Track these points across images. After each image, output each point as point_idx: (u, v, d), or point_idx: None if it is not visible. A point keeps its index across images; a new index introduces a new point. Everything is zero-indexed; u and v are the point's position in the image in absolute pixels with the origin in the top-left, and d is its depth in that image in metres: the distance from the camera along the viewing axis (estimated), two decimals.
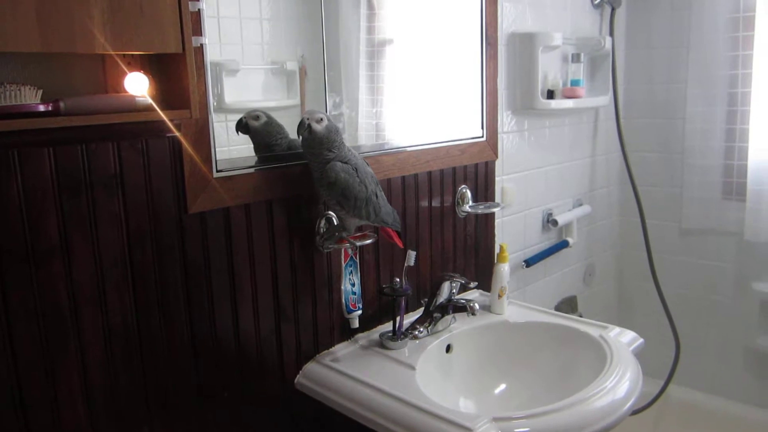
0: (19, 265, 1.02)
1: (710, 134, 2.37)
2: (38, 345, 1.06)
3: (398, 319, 1.54)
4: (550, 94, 2.11)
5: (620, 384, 1.32)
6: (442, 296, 1.61)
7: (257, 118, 1.31)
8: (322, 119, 1.29)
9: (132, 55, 1.10)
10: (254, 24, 1.32)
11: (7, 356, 1.03)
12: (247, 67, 1.32)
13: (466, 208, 1.83)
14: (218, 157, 1.25)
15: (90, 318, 1.11)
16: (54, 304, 1.07)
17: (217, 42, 1.23)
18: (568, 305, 2.40)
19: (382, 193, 1.43)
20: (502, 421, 1.18)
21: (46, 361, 1.07)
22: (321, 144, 1.30)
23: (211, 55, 1.21)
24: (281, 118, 1.39)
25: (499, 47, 1.90)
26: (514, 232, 2.11)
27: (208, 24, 1.20)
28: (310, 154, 1.34)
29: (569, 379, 1.47)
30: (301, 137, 1.31)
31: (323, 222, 1.46)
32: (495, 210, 1.94)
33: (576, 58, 2.18)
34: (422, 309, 1.65)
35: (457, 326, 1.63)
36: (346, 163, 1.33)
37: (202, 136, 1.22)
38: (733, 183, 2.36)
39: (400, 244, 1.54)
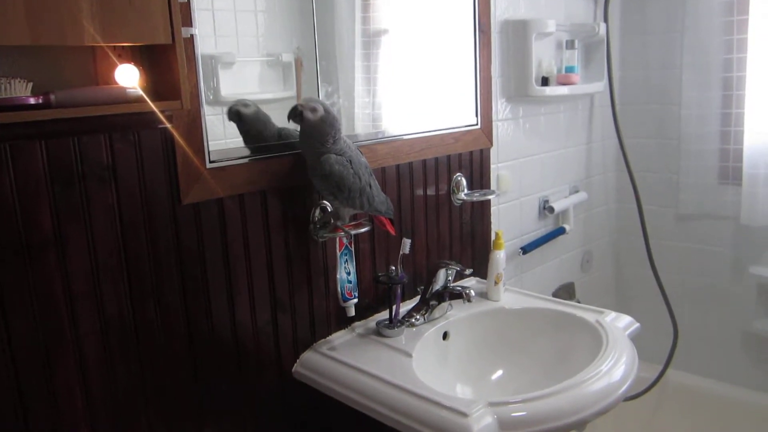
0: (13, 257, 1.02)
1: (706, 119, 2.37)
2: (35, 337, 1.06)
3: (394, 307, 1.55)
4: (545, 81, 2.11)
5: (616, 368, 1.33)
6: (438, 284, 1.62)
7: (247, 105, 1.31)
8: (315, 109, 1.28)
9: (122, 46, 1.10)
10: (249, 16, 1.31)
11: (4, 349, 1.03)
12: (242, 59, 1.32)
13: (462, 195, 1.84)
14: (213, 148, 1.25)
15: (86, 310, 1.12)
16: (49, 296, 1.07)
17: (212, 35, 1.23)
18: (565, 292, 2.41)
19: (376, 182, 1.44)
20: (498, 406, 1.19)
21: (43, 353, 1.08)
22: (312, 135, 1.30)
23: (206, 47, 1.21)
24: (278, 110, 1.39)
25: (492, 35, 1.90)
26: (510, 219, 2.11)
27: (203, 17, 1.20)
28: (305, 145, 1.34)
29: (566, 364, 1.48)
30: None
31: (318, 211, 1.46)
32: (490, 197, 1.94)
33: (570, 44, 2.17)
34: (418, 297, 1.66)
35: (453, 313, 1.63)
36: (340, 155, 1.33)
37: (194, 127, 1.22)
38: (729, 167, 2.36)
39: (392, 231, 1.55)
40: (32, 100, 0.98)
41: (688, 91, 2.39)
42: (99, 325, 1.14)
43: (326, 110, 1.30)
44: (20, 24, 0.92)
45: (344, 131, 1.50)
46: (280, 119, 1.39)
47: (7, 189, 1.00)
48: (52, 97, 1.00)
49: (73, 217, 1.08)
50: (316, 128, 1.30)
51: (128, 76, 1.08)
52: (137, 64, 1.12)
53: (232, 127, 1.30)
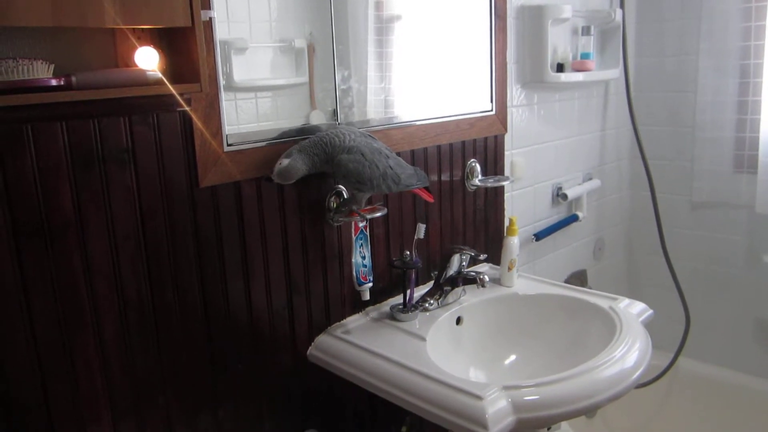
0: (34, 239, 1.04)
1: (722, 107, 2.35)
2: (55, 317, 1.08)
3: (408, 291, 1.55)
4: (560, 68, 2.10)
5: (629, 354, 1.33)
6: (452, 269, 1.62)
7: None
8: (280, 163, 1.28)
9: (142, 29, 1.11)
10: (262, 1, 1.31)
11: (25, 328, 1.05)
12: (255, 45, 1.32)
13: (476, 181, 1.84)
14: (228, 132, 1.26)
15: (105, 291, 1.13)
16: (70, 277, 1.09)
17: (225, 20, 1.23)
18: (577, 279, 2.41)
19: (399, 159, 1.43)
20: (511, 390, 1.19)
21: (63, 333, 1.09)
22: (301, 166, 1.30)
23: (219, 33, 1.21)
24: (290, 97, 1.39)
25: (508, 20, 1.89)
26: (523, 206, 2.11)
27: (217, 2, 1.20)
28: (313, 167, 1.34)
29: (579, 349, 1.48)
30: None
31: (333, 195, 1.47)
32: (504, 184, 1.93)
33: (586, 30, 2.16)
34: (432, 282, 1.66)
35: (467, 298, 1.64)
36: (349, 152, 1.33)
37: (212, 111, 1.22)
38: (745, 156, 2.35)
39: (430, 198, 1.56)
40: (54, 82, 0.99)
41: (704, 79, 2.37)
42: (118, 306, 1.15)
43: (288, 156, 1.28)
44: (42, 5, 0.92)
45: (357, 117, 1.50)
46: (292, 106, 1.40)
47: (28, 170, 1.01)
48: (74, 78, 1.01)
49: (93, 199, 1.09)
50: (291, 171, 1.29)
51: (148, 59, 1.09)
52: (157, 47, 1.12)
53: (246, 113, 1.31)
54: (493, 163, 1.92)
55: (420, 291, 1.65)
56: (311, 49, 1.41)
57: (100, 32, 1.09)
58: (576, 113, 2.29)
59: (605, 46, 2.34)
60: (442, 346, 1.48)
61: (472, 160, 1.83)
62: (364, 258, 1.53)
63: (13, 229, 1.01)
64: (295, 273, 1.43)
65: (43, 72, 0.99)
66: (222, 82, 1.24)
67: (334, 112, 1.46)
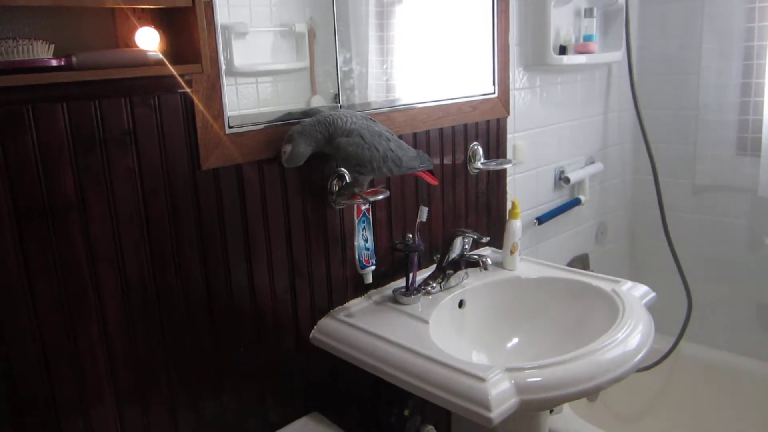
0: (37, 221, 1.03)
1: (725, 89, 2.34)
2: (58, 300, 1.08)
3: (411, 274, 1.55)
4: (563, 50, 2.08)
5: (632, 336, 1.33)
6: (455, 252, 1.62)
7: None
8: (285, 152, 1.29)
9: (142, 9, 1.10)
10: None
11: (28, 310, 1.05)
12: (255, 29, 1.31)
13: (478, 165, 1.83)
14: (229, 114, 1.25)
15: (107, 272, 1.13)
16: (72, 259, 1.08)
17: (225, 4, 1.22)
18: (580, 263, 2.41)
19: (400, 143, 1.42)
20: (514, 372, 1.20)
21: (66, 314, 1.09)
22: (305, 151, 1.31)
23: (219, 17, 1.20)
24: (290, 82, 1.38)
25: (510, 2, 1.88)
26: (525, 189, 2.11)
27: None
28: (315, 150, 1.35)
29: (581, 332, 1.48)
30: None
31: (335, 178, 1.46)
32: (506, 167, 1.93)
33: (589, 12, 2.14)
34: (435, 265, 1.66)
35: (469, 282, 1.64)
36: (348, 135, 1.33)
37: (214, 92, 1.22)
38: (748, 138, 2.33)
39: (434, 181, 1.57)
40: (54, 62, 0.98)
41: (708, 61, 2.35)
42: (120, 288, 1.15)
43: (290, 141, 1.29)
44: None
45: (359, 100, 1.50)
46: (293, 91, 1.39)
47: (30, 151, 1.01)
48: (74, 59, 1.00)
49: (95, 181, 1.09)
50: (297, 156, 1.30)
51: (149, 39, 1.08)
52: (157, 27, 1.11)
53: (247, 98, 1.30)
54: (496, 147, 1.91)
55: (422, 274, 1.65)
56: (311, 33, 1.40)
57: (101, 12, 1.08)
58: (578, 96, 2.28)
59: (608, 28, 2.32)
60: (445, 329, 1.48)
61: (475, 143, 1.82)
62: (366, 241, 1.52)
63: (15, 212, 1.01)
64: (297, 256, 1.43)
65: (43, 52, 0.98)
66: (223, 66, 1.23)
67: (336, 96, 1.45)
